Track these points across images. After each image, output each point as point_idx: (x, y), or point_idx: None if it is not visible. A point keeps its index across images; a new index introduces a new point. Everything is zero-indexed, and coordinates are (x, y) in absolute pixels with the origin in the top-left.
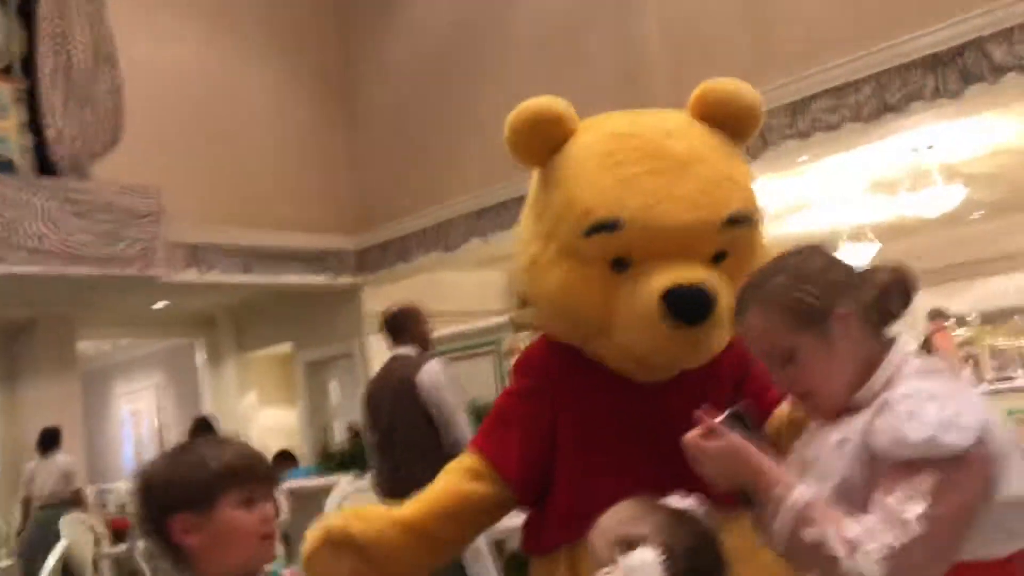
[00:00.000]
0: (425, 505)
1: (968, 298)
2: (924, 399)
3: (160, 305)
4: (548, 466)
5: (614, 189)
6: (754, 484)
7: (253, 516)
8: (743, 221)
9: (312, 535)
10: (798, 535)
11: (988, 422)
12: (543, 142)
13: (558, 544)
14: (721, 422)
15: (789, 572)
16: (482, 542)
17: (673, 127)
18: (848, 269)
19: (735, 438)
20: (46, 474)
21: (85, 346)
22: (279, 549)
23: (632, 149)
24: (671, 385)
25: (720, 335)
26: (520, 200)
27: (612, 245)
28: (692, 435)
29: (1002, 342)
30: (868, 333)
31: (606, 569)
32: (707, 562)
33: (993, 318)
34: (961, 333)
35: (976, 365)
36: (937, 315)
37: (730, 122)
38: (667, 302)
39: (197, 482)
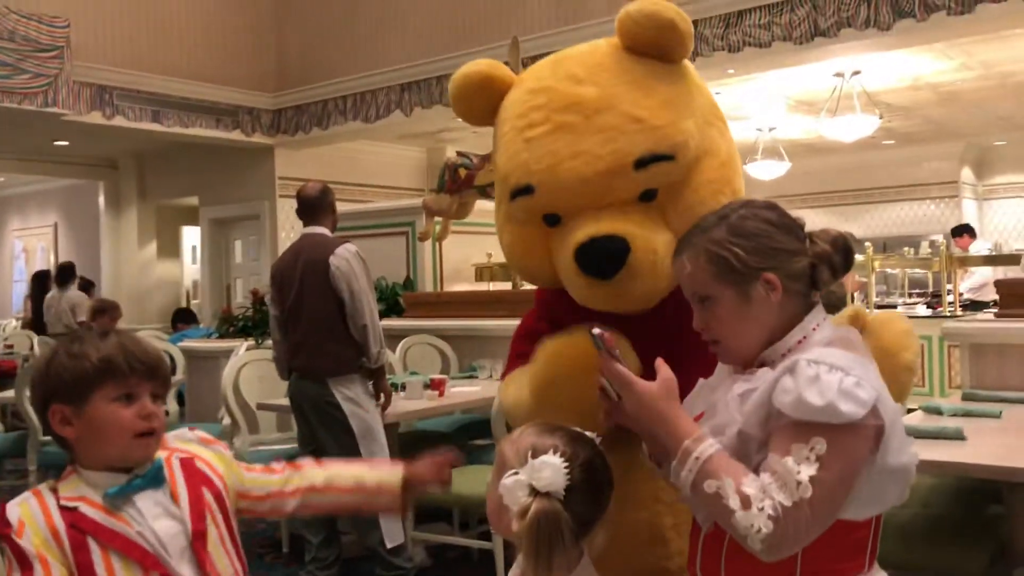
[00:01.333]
0: None
1: (865, 224)
2: (828, 367)
3: (61, 143)
4: None
5: (522, 153)
6: (664, 432)
7: (129, 412)
8: (656, 160)
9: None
10: (700, 485)
11: (881, 396)
12: (480, 107)
13: None
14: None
15: (657, 487)
16: (377, 422)
17: (585, 71)
18: (789, 232)
19: (654, 386)
20: (59, 307)
21: None
22: (172, 407)
23: (539, 107)
24: (650, 315)
25: (646, 282)
26: (446, 79)
27: (533, 206)
28: (619, 369)
29: (890, 270)
30: (790, 299)
31: (514, 470)
32: (599, 475)
33: (885, 245)
34: (856, 258)
35: (864, 291)
36: None
37: (653, 47)
38: (577, 259)
39: (72, 374)
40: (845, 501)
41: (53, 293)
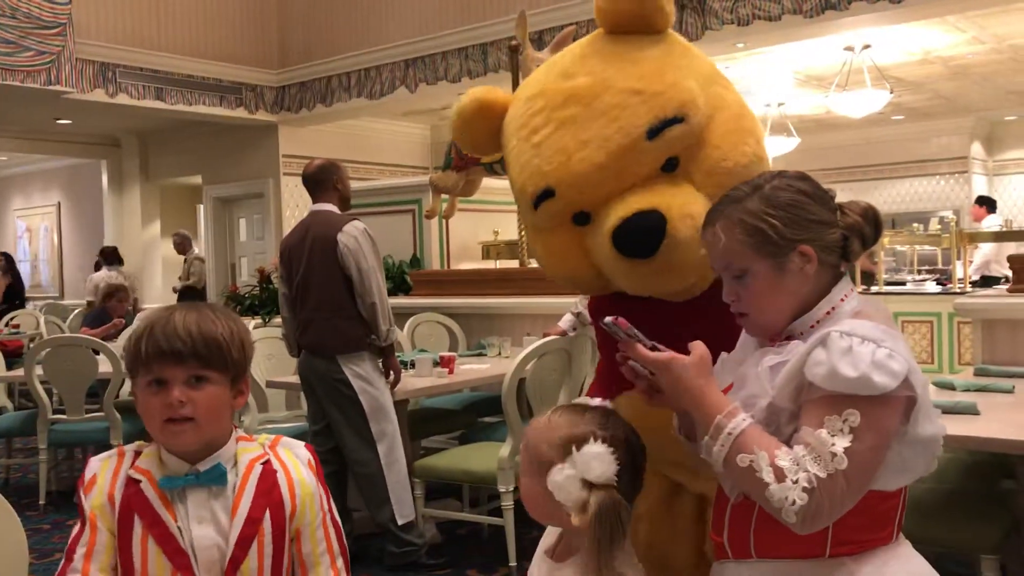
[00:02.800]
0: None
1: (874, 200)
2: (861, 339)
3: (63, 122)
4: None
5: (533, 160)
6: (696, 407)
7: (157, 399)
8: (666, 125)
9: None
10: (733, 459)
11: (912, 367)
12: (483, 133)
13: None
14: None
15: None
16: (387, 399)
17: (573, 64)
18: (823, 204)
19: (689, 362)
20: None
21: None
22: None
23: (537, 112)
24: (701, 300)
25: (692, 249)
26: (451, 54)
27: (558, 209)
28: (648, 353)
29: (900, 247)
30: (823, 271)
31: (559, 466)
32: (638, 451)
33: (894, 221)
34: None
35: (875, 271)
36: None
37: (633, 21)
38: (614, 244)
39: (127, 356)
40: (877, 472)
41: (102, 273)
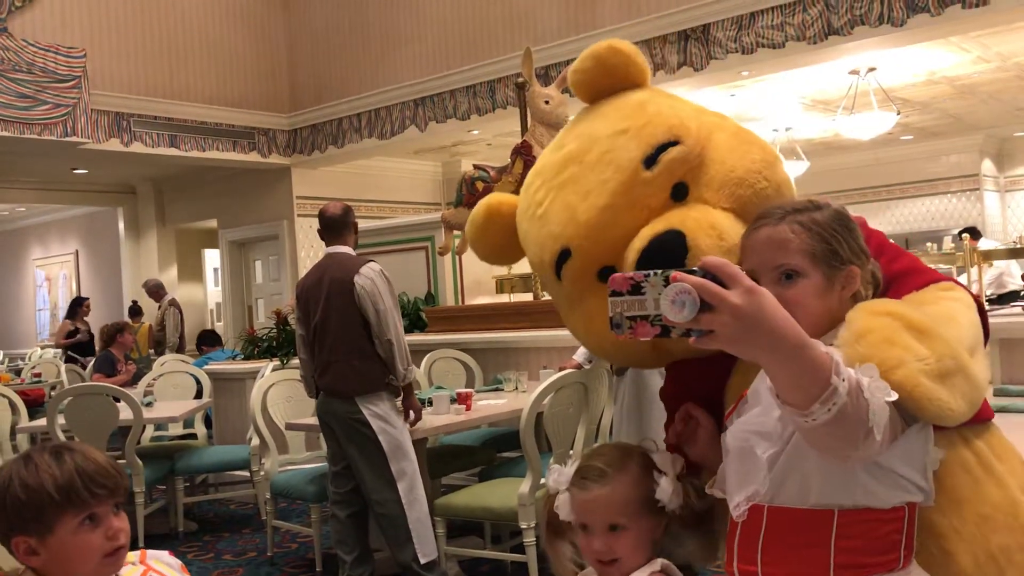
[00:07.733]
0: None
1: (887, 220)
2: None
3: (80, 171)
4: None
5: (542, 230)
6: (791, 342)
7: (96, 535)
8: (660, 150)
9: None
10: (885, 378)
11: None
12: (499, 237)
13: None
14: None
15: None
16: (406, 439)
17: (563, 137)
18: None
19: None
20: None
21: None
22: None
23: (538, 189)
24: None
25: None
26: (459, 92)
27: (581, 267)
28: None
29: None
30: (850, 301)
31: (663, 482)
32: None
33: (908, 241)
34: None
35: None
36: None
37: (611, 82)
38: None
39: (32, 509)
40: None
41: None
